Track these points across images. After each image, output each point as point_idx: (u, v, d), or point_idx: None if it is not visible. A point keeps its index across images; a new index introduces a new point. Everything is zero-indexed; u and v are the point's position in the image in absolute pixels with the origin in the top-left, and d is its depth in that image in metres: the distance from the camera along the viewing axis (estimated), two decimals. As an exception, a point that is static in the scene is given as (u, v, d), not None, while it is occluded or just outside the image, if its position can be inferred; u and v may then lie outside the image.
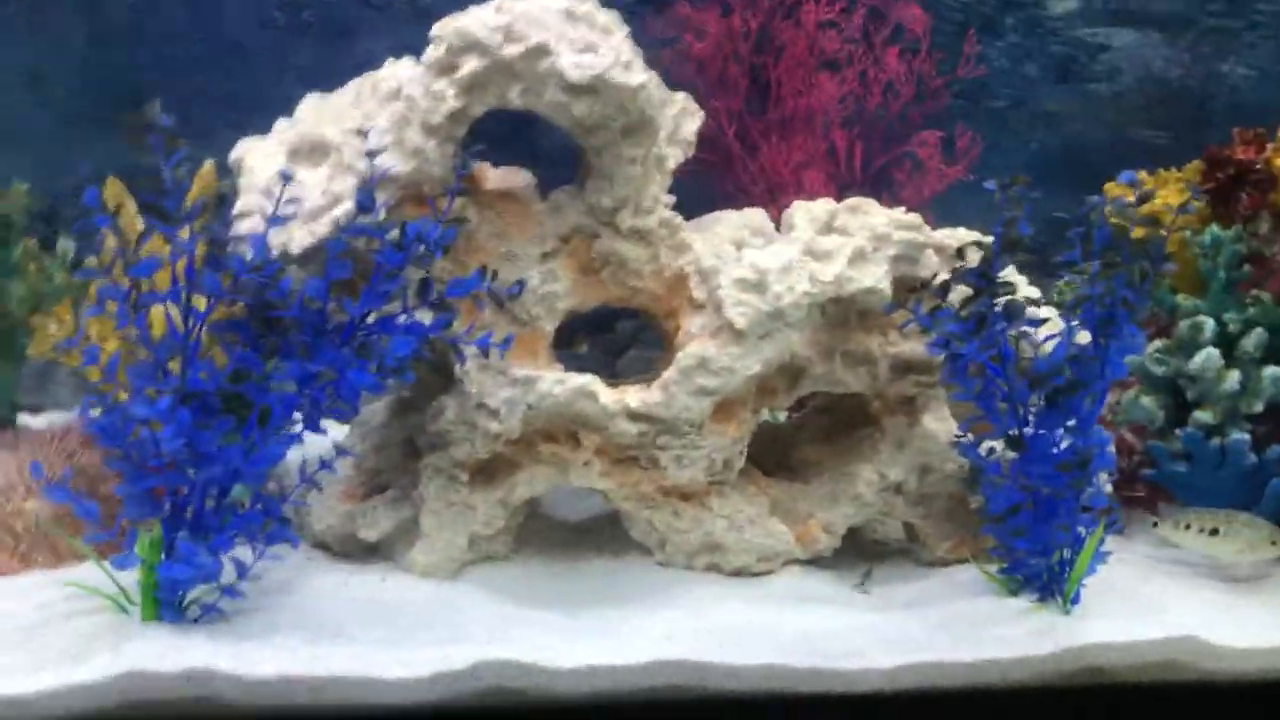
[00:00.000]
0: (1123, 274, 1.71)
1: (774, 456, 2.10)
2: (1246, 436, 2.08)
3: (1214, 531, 2.09)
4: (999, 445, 1.94)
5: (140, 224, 1.63)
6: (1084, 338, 1.79)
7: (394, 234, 1.55)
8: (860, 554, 2.12)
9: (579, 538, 2.10)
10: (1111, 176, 2.13)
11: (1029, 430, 1.83)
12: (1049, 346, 1.84)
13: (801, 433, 2.12)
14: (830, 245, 1.81)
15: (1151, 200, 2.01)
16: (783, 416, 2.24)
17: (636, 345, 2.31)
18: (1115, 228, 1.77)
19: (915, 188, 2.05)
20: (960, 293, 1.81)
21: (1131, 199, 1.77)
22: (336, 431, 2.08)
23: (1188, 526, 2.10)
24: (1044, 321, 1.84)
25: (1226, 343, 2.14)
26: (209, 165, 1.80)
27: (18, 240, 2.10)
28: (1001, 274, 1.83)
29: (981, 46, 2.09)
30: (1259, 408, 2.12)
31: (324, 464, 1.75)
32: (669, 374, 1.80)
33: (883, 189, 2.00)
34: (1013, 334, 1.79)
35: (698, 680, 1.70)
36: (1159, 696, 1.91)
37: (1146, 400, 2.17)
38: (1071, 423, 1.83)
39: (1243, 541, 2.09)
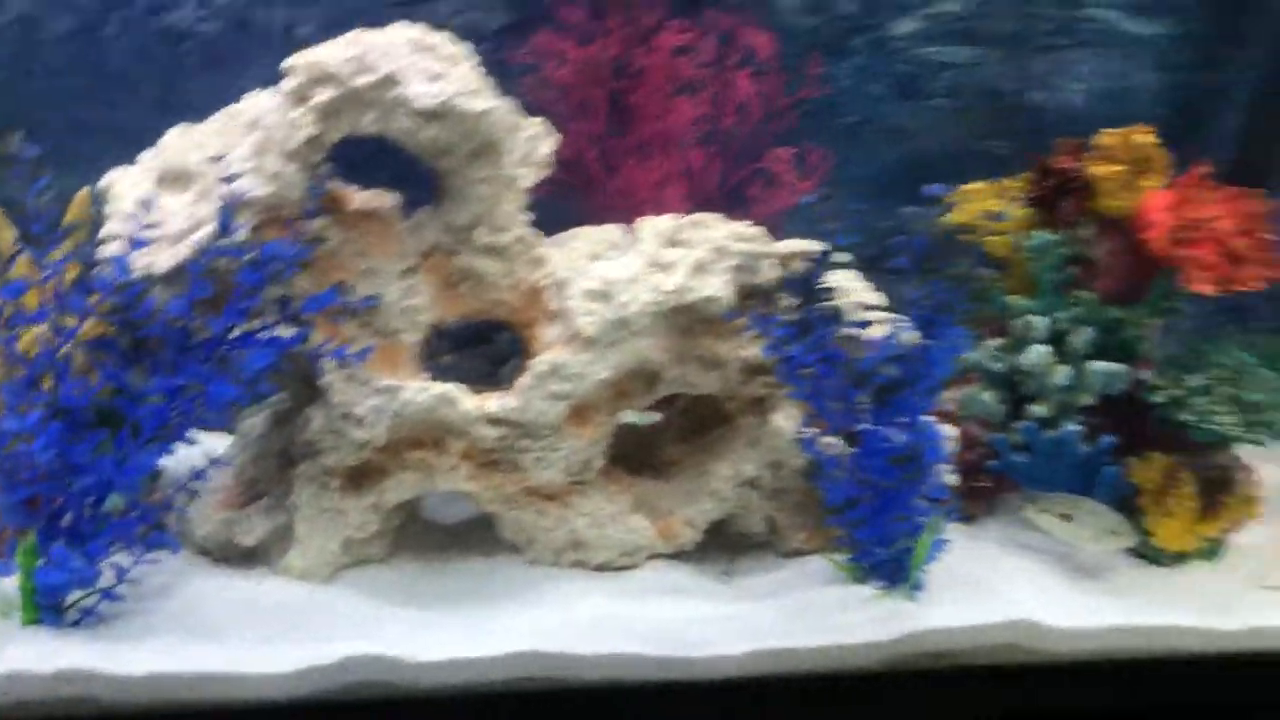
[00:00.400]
0: (940, 279, 1.86)
1: (640, 457, 2.20)
2: (1078, 428, 2.22)
3: (1066, 517, 2.21)
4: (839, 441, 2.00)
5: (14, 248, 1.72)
6: (911, 338, 1.92)
7: (252, 254, 1.66)
8: (725, 547, 2.22)
9: (454, 540, 2.19)
10: (953, 186, 2.31)
11: (862, 426, 1.97)
12: (882, 348, 1.98)
13: (665, 434, 2.25)
14: (673, 257, 1.95)
15: (959, 210, 2.20)
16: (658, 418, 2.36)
17: (517, 355, 2.43)
18: (939, 235, 1.92)
19: (769, 202, 2.17)
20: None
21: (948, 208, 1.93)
22: (219, 443, 2.19)
23: (1045, 511, 2.22)
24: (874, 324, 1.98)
25: (1058, 340, 2.28)
26: (84, 192, 1.89)
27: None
28: (833, 280, 1.97)
29: (830, 67, 2.23)
30: (1089, 400, 2.26)
31: (197, 474, 1.86)
32: (524, 380, 1.94)
33: (739, 205, 2.11)
34: (841, 336, 1.92)
35: (557, 671, 1.80)
36: (1000, 676, 2.01)
37: (986, 395, 2.30)
38: (902, 419, 1.98)
39: (1090, 529, 2.22)
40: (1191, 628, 2.04)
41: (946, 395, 2.47)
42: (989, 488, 2.36)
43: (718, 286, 1.97)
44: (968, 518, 2.35)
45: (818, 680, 1.94)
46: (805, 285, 1.91)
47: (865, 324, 1.93)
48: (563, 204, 2.12)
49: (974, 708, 2.02)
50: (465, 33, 2.11)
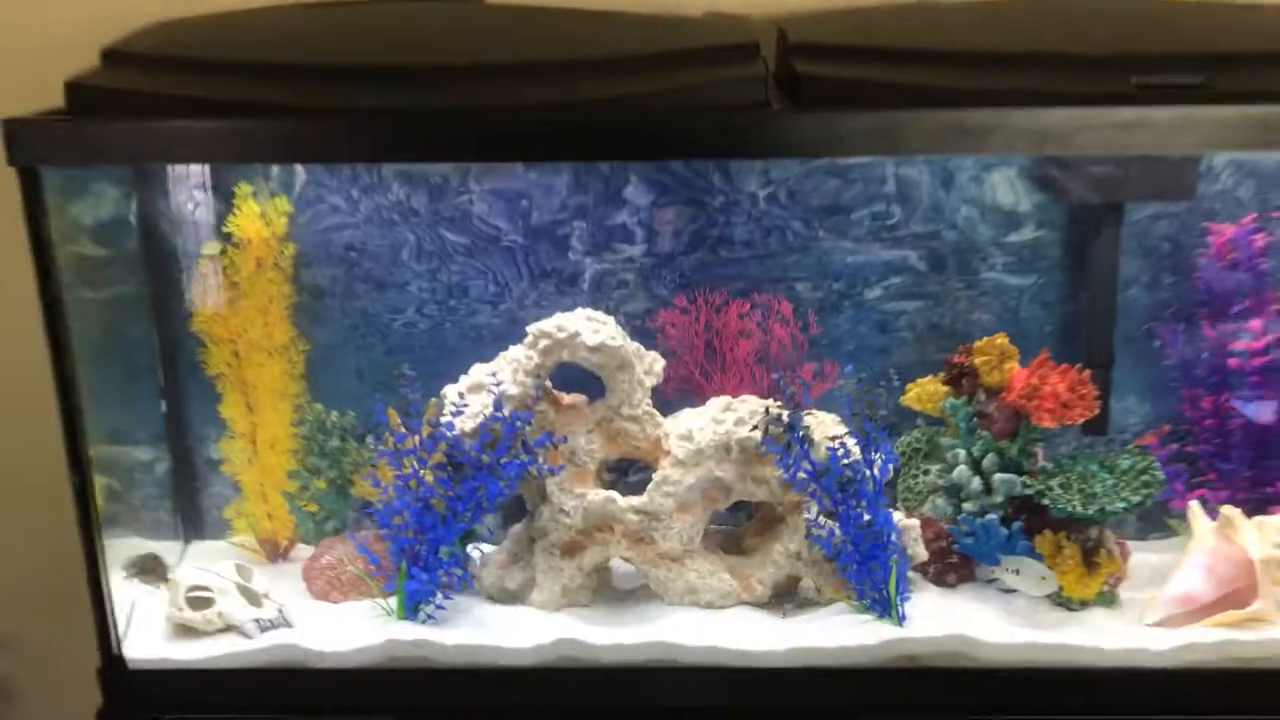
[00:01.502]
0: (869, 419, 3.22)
1: (732, 546, 3.18)
2: (996, 519, 3.00)
3: (1017, 572, 2.96)
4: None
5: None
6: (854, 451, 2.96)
7: (505, 423, 3.28)
8: (793, 599, 3.12)
9: (631, 593, 3.13)
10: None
11: (839, 508, 2.94)
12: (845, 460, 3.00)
13: (748, 530, 3.21)
14: (725, 415, 3.00)
15: (910, 393, 3.45)
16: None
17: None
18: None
19: (805, 393, 3.57)
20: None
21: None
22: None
23: (1005, 570, 2.98)
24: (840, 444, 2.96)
25: (977, 464, 3.08)
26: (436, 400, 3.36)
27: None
28: (810, 420, 2.99)
29: (833, 317, 3.73)
30: (1000, 499, 3.05)
31: (479, 544, 3.43)
32: (650, 487, 2.94)
33: (784, 396, 3.49)
34: (816, 453, 3.08)
35: (670, 656, 2.86)
36: (951, 674, 2.86)
37: (939, 501, 3.14)
38: (861, 503, 2.94)
39: (1031, 578, 2.95)
40: (1080, 645, 2.84)
41: (928, 505, 3.25)
42: (960, 564, 3.13)
43: (749, 430, 3.06)
44: (950, 585, 3.15)
45: (827, 669, 2.89)
46: (778, 423, 2.97)
47: (832, 447, 2.94)
48: (683, 399, 3.50)
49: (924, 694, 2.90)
50: (628, 315, 3.66)
